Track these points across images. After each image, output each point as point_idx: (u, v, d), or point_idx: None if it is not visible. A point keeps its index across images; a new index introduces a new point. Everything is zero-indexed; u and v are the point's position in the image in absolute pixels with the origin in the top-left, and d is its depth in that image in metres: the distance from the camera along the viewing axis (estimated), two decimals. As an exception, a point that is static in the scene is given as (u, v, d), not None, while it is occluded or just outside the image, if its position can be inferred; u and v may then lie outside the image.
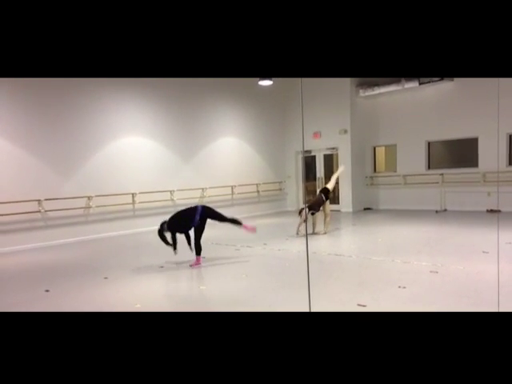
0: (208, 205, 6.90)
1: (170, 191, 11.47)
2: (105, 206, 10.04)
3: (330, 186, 9.44)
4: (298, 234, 8.92)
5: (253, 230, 6.78)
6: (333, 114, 13.67)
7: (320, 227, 9.26)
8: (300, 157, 14.79)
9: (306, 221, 4.22)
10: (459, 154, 12.78)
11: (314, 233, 9.14)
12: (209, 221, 6.49)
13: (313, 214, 9.05)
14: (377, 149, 14.26)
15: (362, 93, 13.41)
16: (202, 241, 6.46)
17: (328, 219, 9.29)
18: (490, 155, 11.56)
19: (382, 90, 13.01)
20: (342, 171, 9.66)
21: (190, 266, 6.35)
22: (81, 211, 9.74)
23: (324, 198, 9.16)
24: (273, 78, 12.03)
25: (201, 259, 6.47)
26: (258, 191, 13.92)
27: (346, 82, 13.26)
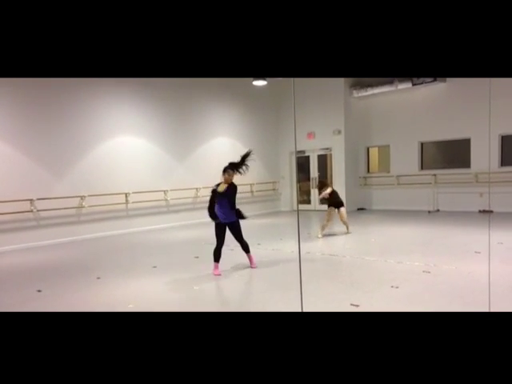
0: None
1: (164, 191, 11.43)
2: (98, 205, 9.99)
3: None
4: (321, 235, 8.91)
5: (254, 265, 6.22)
6: (326, 115, 13.70)
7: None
8: (294, 157, 14.81)
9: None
10: (452, 154, 12.87)
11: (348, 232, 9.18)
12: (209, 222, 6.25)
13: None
14: (370, 149, 14.31)
15: (356, 93, 13.46)
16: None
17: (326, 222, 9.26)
18: (482, 156, 11.66)
19: (376, 90, 13.07)
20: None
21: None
22: (73, 211, 9.69)
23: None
24: (267, 79, 12.03)
25: (217, 269, 5.91)
26: (251, 191, 13.92)
27: (340, 83, 13.30)
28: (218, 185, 5.91)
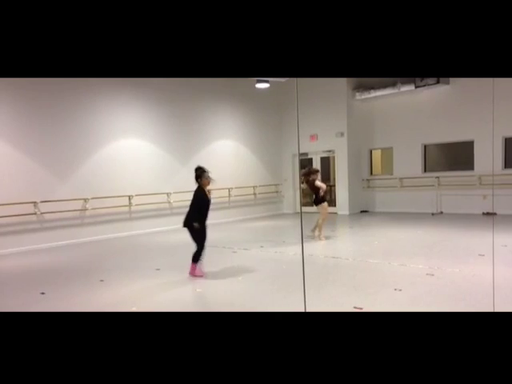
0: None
1: (167, 193, 11.44)
2: (101, 208, 10.01)
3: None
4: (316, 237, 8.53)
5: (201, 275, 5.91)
6: (329, 117, 13.70)
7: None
8: (297, 159, 14.81)
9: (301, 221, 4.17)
10: (455, 157, 12.83)
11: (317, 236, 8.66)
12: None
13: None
14: (373, 152, 14.29)
15: (359, 96, 13.45)
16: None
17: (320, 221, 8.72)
18: (485, 158, 11.61)
19: (378, 93, 13.06)
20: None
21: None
22: (77, 213, 9.70)
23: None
24: (270, 81, 12.03)
25: (197, 269, 5.91)
26: (254, 194, 13.92)
27: (343, 85, 13.30)
28: (202, 190, 6.03)
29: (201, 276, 5.85)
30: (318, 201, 8.66)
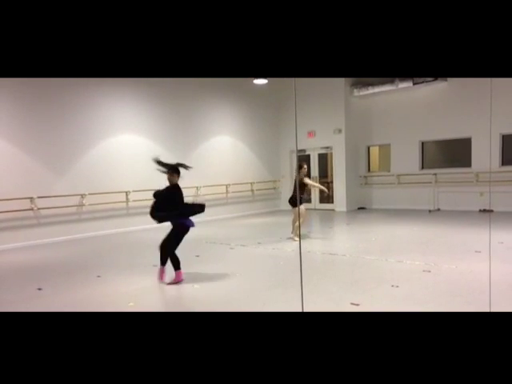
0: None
1: (164, 190, 11.42)
2: (98, 204, 9.99)
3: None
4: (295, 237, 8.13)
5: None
6: (327, 114, 13.69)
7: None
8: (294, 156, 14.81)
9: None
10: (452, 153, 12.86)
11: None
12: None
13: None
14: (371, 148, 14.30)
15: (357, 92, 13.45)
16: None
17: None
18: (482, 155, 11.64)
19: (377, 89, 13.06)
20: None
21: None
22: (74, 209, 9.69)
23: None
24: (268, 77, 12.02)
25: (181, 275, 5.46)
26: (252, 190, 13.92)
27: (341, 82, 13.28)
28: (178, 188, 5.75)
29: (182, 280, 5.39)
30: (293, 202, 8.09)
